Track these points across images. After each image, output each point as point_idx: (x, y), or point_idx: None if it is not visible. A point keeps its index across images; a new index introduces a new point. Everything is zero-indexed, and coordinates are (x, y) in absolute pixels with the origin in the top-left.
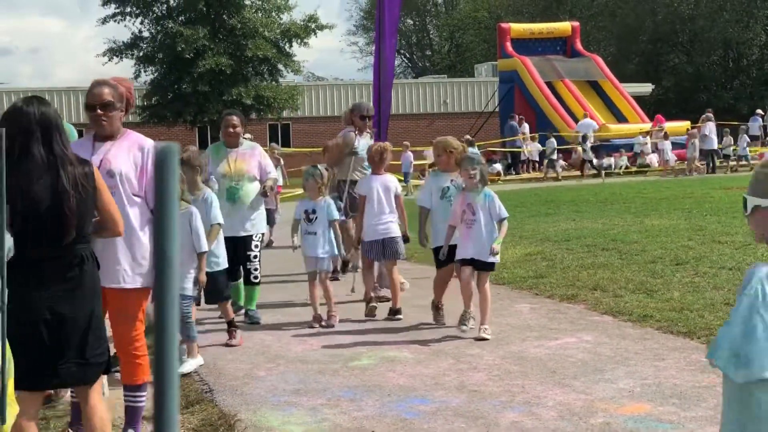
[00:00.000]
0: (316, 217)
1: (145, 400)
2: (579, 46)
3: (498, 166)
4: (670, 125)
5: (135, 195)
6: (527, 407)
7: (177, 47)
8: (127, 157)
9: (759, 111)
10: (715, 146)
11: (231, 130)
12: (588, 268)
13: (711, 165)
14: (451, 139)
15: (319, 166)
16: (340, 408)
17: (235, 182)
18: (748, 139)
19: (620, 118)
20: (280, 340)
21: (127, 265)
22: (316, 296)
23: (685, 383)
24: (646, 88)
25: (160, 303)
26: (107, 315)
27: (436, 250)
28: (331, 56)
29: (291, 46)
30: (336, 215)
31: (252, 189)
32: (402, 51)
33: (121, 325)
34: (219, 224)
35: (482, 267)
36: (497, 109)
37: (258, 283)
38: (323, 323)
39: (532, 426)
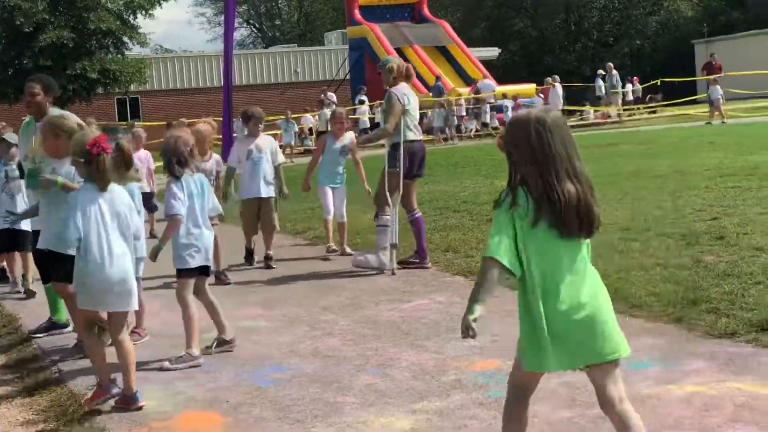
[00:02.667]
0: None
1: None
2: (426, 11)
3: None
4: (518, 88)
5: None
6: (381, 369)
7: (15, 21)
8: None
9: (600, 71)
10: (560, 107)
11: (29, 99)
12: (440, 231)
13: None
14: (62, 119)
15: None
16: (194, 380)
17: (37, 163)
18: (488, 108)
19: (469, 83)
20: (131, 316)
21: None
22: None
23: None
24: (493, 52)
25: None
26: None
27: None
28: (178, 28)
29: (135, 17)
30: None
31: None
32: (251, 21)
33: None
34: None
35: None
36: (348, 77)
37: None
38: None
39: (386, 387)
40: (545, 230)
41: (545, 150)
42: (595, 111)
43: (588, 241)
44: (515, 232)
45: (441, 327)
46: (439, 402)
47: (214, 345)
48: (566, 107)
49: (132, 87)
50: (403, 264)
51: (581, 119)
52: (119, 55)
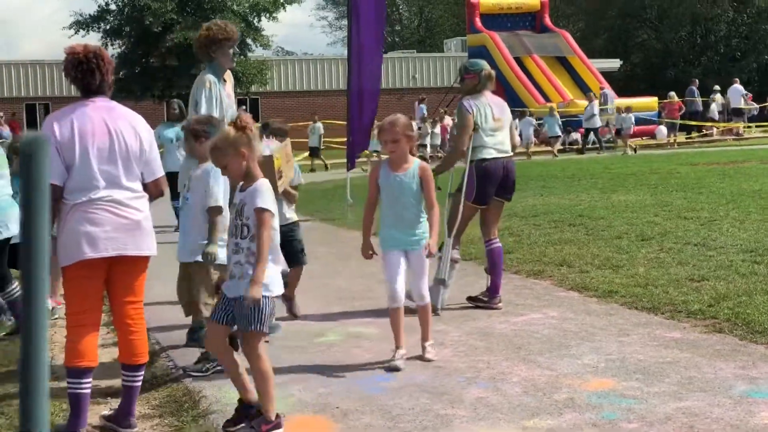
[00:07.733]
0: None
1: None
2: (548, 21)
3: None
4: (638, 101)
5: None
6: (492, 383)
7: (145, 21)
8: None
9: (716, 87)
10: (630, 132)
11: None
12: (555, 244)
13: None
14: None
15: None
16: (305, 384)
17: None
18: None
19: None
20: None
21: None
22: None
23: (649, 359)
24: (615, 63)
25: (28, 297)
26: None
27: None
28: (300, 31)
29: (260, 20)
30: None
31: None
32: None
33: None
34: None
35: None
36: None
37: None
38: None
39: (497, 401)
40: None
41: None
42: (718, 128)
43: None
44: None
45: (554, 343)
46: (550, 420)
47: None
48: (685, 122)
49: (253, 88)
50: (472, 301)
51: (704, 134)
52: (242, 57)
